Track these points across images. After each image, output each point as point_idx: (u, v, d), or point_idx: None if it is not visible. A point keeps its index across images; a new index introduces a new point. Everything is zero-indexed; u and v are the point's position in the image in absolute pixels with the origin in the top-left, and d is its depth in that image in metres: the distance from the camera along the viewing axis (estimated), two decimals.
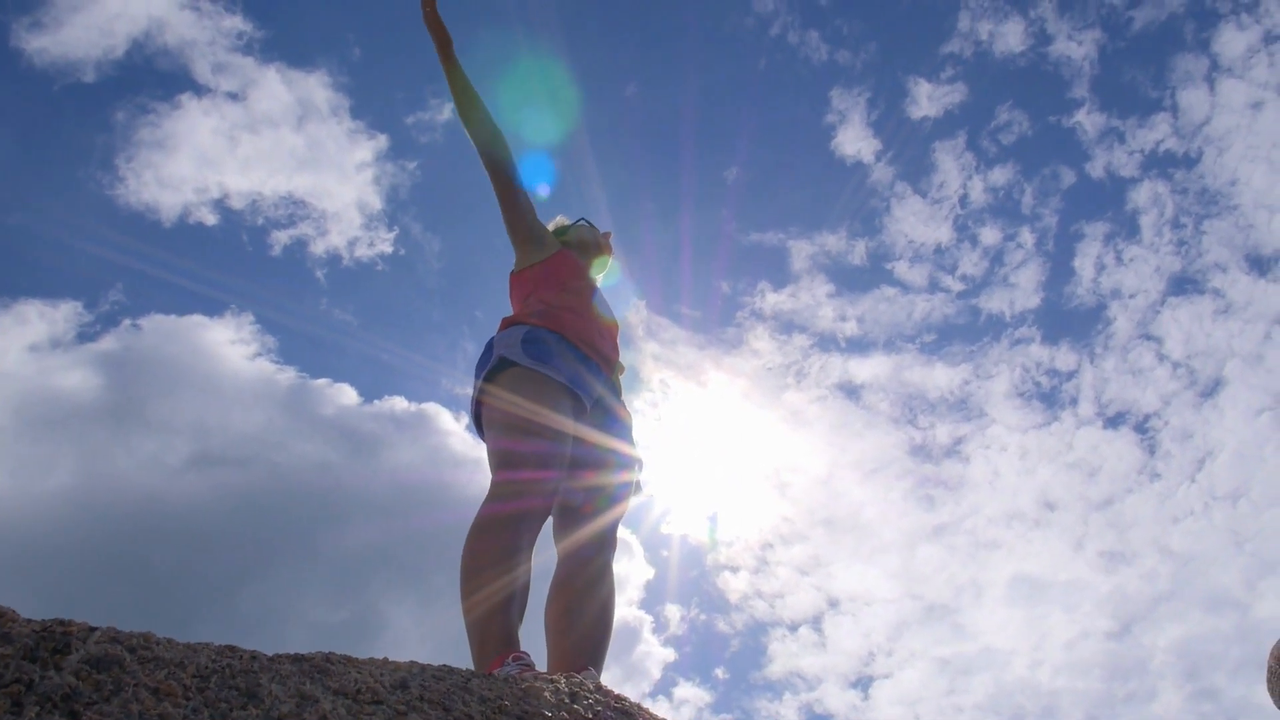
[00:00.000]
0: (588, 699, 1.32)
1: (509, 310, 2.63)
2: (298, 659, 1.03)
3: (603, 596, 2.21)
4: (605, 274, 2.95)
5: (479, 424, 2.32)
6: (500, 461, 2.15)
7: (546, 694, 1.25)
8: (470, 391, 2.37)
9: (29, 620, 0.82)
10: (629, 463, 2.47)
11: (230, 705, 0.85)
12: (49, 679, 0.74)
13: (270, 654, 1.02)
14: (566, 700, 1.28)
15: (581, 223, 2.95)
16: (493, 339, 2.39)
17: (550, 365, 2.23)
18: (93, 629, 0.86)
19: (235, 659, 0.95)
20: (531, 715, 1.17)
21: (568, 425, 2.20)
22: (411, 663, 1.21)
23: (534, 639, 2.20)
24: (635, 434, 2.62)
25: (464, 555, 1.96)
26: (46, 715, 0.71)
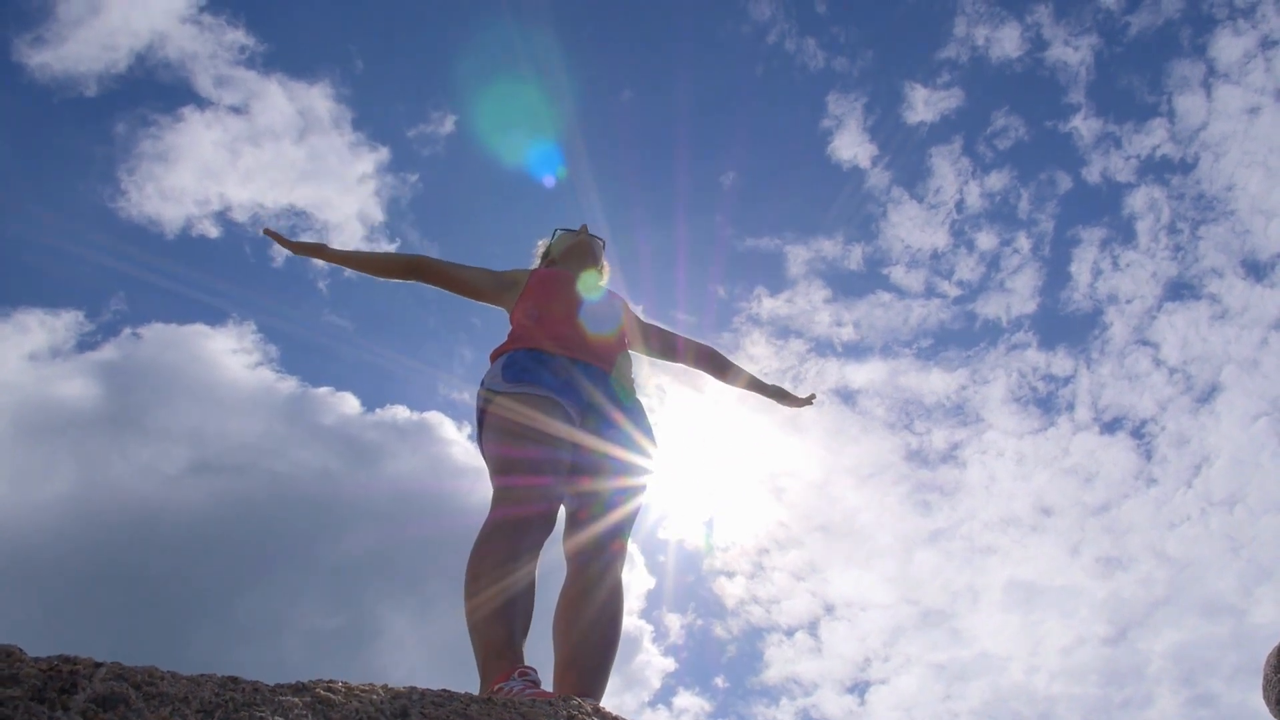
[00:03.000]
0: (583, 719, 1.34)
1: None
2: (299, 689, 1.04)
3: (600, 601, 2.21)
4: (597, 278, 2.95)
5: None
6: (497, 468, 2.19)
7: (544, 719, 1.27)
8: (473, 403, 2.43)
9: (35, 659, 0.83)
10: (627, 468, 2.47)
11: None
12: None
13: (271, 685, 1.03)
14: None
15: (558, 233, 2.98)
16: (484, 376, 2.45)
17: (530, 382, 2.28)
18: (98, 665, 0.87)
19: (238, 692, 0.96)
20: None
21: (563, 431, 2.23)
22: (411, 689, 1.22)
23: (545, 646, 2.22)
24: (649, 425, 2.60)
25: (467, 573, 2.01)
26: None
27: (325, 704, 1.02)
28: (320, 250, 2.78)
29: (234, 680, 0.99)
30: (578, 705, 1.40)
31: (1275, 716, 4.13)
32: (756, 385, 3.05)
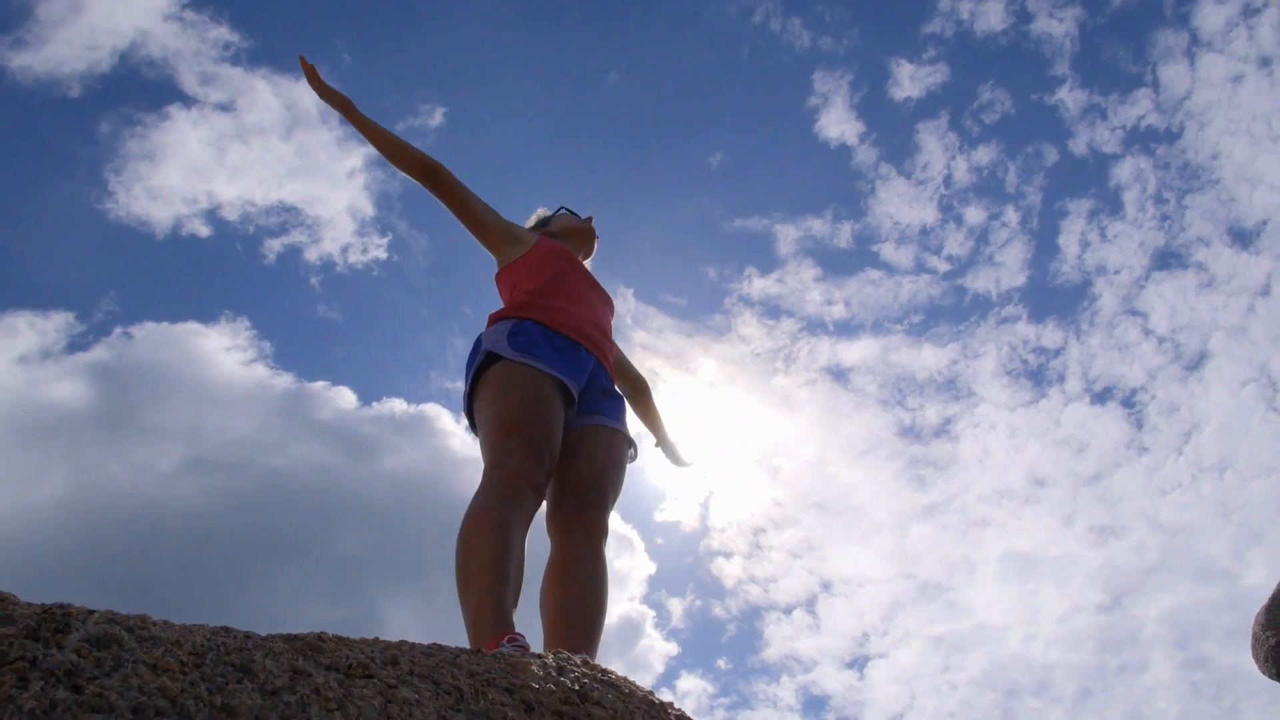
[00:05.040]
0: (575, 672, 1.37)
1: (498, 307, 2.67)
2: (291, 638, 1.07)
3: (595, 583, 2.25)
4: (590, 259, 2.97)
5: (472, 419, 2.37)
6: (491, 451, 2.19)
7: (534, 668, 1.30)
8: (462, 388, 2.42)
9: (29, 604, 0.86)
10: (620, 449, 2.51)
11: (226, 679, 0.89)
12: (51, 656, 0.78)
13: (264, 634, 1.06)
14: (554, 673, 1.32)
15: (562, 211, 2.99)
16: (480, 335, 2.44)
17: (536, 356, 2.27)
18: (91, 611, 0.90)
19: (230, 638, 0.99)
20: (519, 688, 1.21)
21: (558, 414, 2.24)
22: (402, 641, 1.25)
23: (530, 626, 2.25)
24: (627, 415, 2.65)
25: (458, 544, 2.02)
26: (51, 689, 0.75)
27: (315, 650, 1.05)
28: (346, 106, 2.66)
29: (226, 629, 1.02)
30: (566, 657, 1.43)
31: (1263, 673, 4.20)
32: (662, 433, 3.16)
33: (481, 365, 2.32)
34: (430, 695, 1.08)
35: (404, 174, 2.62)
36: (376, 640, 1.22)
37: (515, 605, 2.00)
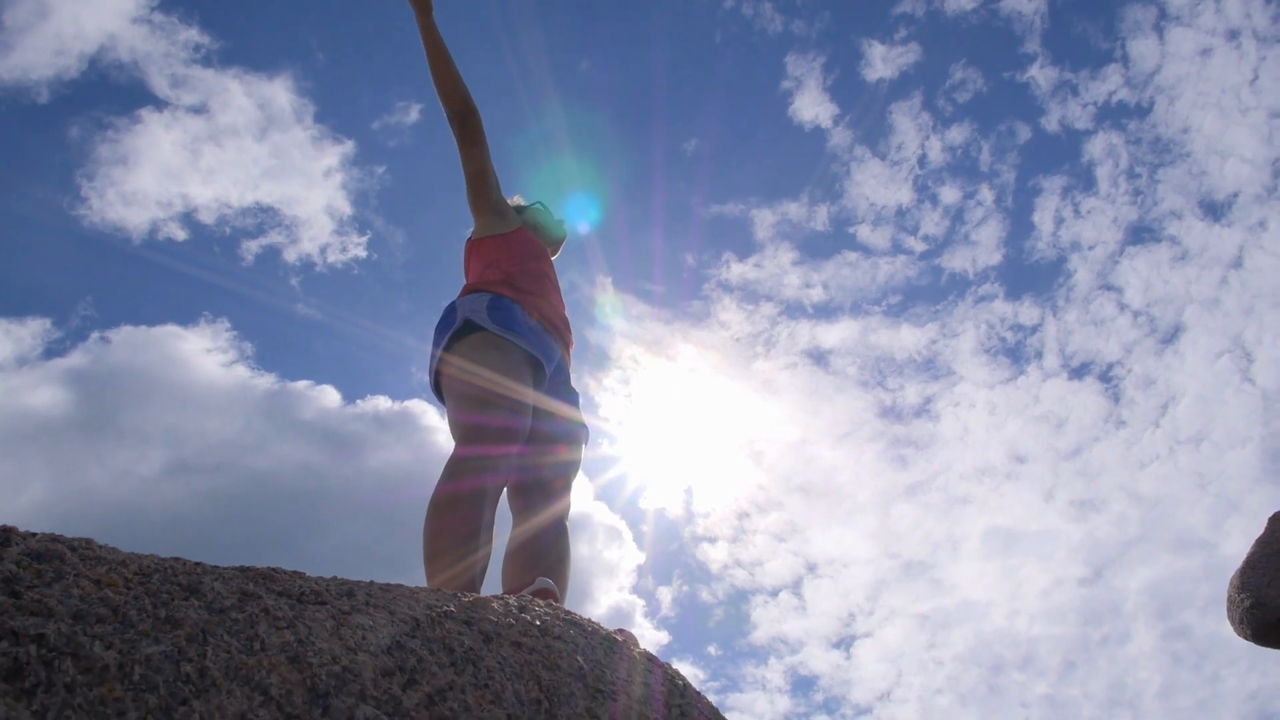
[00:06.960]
0: (537, 610, 1.38)
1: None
2: (244, 568, 1.07)
3: (559, 554, 2.28)
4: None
5: (438, 388, 2.36)
6: (462, 435, 2.17)
7: (494, 604, 1.31)
8: (430, 353, 2.42)
9: None
10: (589, 435, 2.57)
11: (172, 596, 0.89)
12: None
13: (213, 564, 1.06)
14: (515, 610, 1.33)
15: (538, 205, 3.00)
16: (455, 303, 2.42)
17: (515, 332, 2.28)
18: (34, 533, 0.90)
19: (179, 565, 0.99)
20: (478, 620, 1.22)
21: (529, 396, 2.25)
22: (359, 581, 1.26)
23: None
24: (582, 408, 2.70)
25: (427, 533, 1.97)
26: None
27: (268, 579, 1.05)
28: (425, 8, 2.55)
29: (177, 558, 1.02)
30: (530, 599, 1.44)
31: (1239, 635, 4.26)
32: None
33: (458, 332, 2.30)
34: (385, 622, 1.09)
35: (441, 102, 2.56)
36: (335, 578, 1.23)
37: (483, 579, 2.00)
